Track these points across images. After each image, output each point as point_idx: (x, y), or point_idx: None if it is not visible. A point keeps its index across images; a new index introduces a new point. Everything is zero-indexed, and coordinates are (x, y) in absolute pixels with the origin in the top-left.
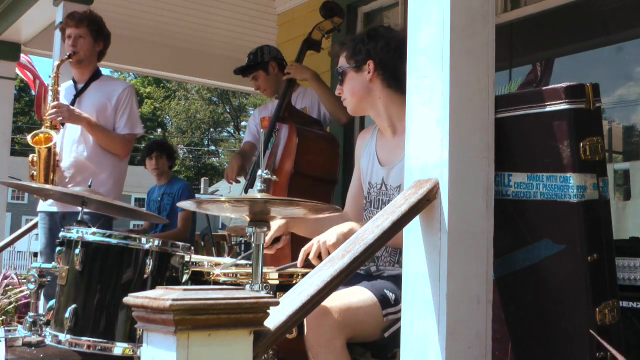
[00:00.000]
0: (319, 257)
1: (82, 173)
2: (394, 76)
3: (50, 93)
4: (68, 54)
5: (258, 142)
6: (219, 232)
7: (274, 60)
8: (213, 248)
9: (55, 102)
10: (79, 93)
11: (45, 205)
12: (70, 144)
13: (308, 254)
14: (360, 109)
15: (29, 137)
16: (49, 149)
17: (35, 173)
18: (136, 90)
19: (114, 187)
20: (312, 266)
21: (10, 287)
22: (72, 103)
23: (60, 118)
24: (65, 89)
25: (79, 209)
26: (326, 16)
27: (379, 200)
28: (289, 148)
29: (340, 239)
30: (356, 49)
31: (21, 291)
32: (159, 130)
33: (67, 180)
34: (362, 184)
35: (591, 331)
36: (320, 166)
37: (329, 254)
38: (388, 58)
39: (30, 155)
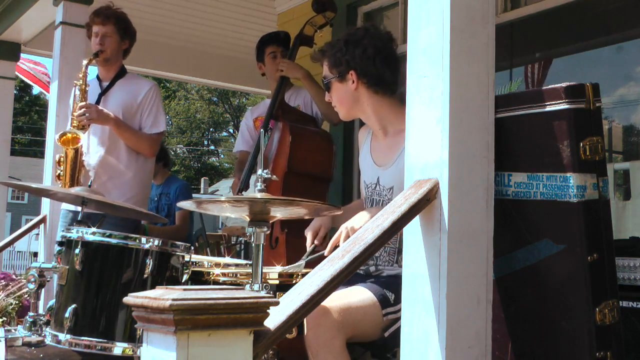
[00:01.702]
0: None
1: (108, 173)
2: (378, 82)
3: (77, 92)
4: (95, 52)
5: (252, 148)
6: (218, 232)
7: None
8: (207, 249)
9: (84, 103)
10: (104, 91)
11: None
12: (96, 143)
13: (337, 244)
14: (351, 115)
15: (56, 137)
16: (76, 149)
17: (61, 173)
18: None
19: (142, 186)
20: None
21: (10, 287)
22: (98, 101)
23: (89, 119)
24: (89, 86)
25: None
26: (318, 11)
27: (372, 200)
28: (283, 147)
29: None
30: (336, 60)
31: (20, 288)
32: None
33: (92, 180)
34: None
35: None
36: (315, 164)
37: None
38: (368, 66)
39: (57, 155)
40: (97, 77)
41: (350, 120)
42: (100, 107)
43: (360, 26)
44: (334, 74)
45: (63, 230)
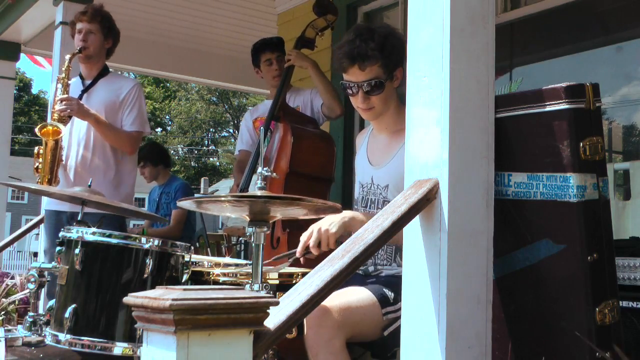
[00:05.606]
0: (319, 246)
1: (90, 171)
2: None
3: (60, 86)
4: (78, 48)
5: (252, 148)
6: (219, 232)
7: None
8: (209, 249)
9: (66, 96)
10: (86, 89)
11: (54, 204)
12: (77, 142)
13: (307, 244)
14: (381, 115)
15: (36, 129)
16: (56, 141)
17: (40, 166)
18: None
19: (124, 185)
20: (311, 262)
21: (11, 287)
22: (80, 99)
23: (69, 112)
24: (72, 84)
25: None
26: (320, 14)
27: (368, 200)
28: (284, 147)
29: (341, 228)
30: (392, 59)
31: (22, 288)
32: (159, 130)
33: (72, 179)
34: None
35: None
36: (316, 165)
37: (328, 243)
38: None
39: (36, 147)
40: (80, 75)
41: (374, 120)
42: (82, 103)
43: (364, 24)
44: (387, 75)
45: (63, 230)
